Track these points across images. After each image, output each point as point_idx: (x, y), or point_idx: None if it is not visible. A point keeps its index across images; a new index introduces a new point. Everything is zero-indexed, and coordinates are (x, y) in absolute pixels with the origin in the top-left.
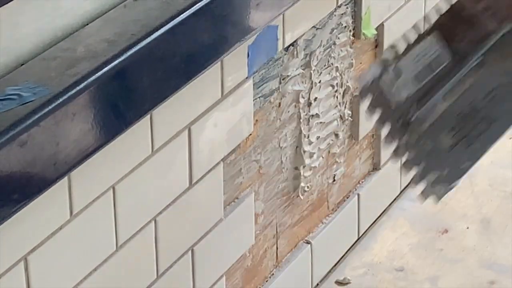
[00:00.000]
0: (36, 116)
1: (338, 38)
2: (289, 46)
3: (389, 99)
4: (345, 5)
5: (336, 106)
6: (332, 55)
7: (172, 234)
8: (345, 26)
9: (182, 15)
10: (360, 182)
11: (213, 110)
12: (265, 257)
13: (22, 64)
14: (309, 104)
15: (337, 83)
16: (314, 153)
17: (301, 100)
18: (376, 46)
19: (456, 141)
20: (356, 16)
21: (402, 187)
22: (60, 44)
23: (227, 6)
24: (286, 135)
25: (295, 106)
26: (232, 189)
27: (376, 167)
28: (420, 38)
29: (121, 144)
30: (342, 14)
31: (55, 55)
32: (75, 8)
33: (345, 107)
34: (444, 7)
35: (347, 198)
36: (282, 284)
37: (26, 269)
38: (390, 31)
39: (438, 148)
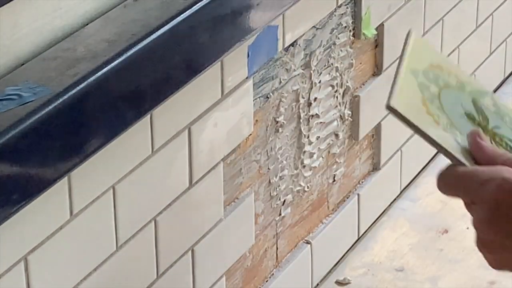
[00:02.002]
0: (36, 116)
1: (338, 38)
2: (289, 46)
3: None
4: (345, 5)
5: (336, 106)
6: (332, 55)
7: (172, 234)
8: (345, 26)
9: (182, 15)
10: (360, 182)
11: (213, 110)
12: (265, 257)
13: (22, 64)
14: (309, 104)
15: (337, 83)
16: (314, 153)
17: (301, 100)
18: (376, 46)
19: None
20: (356, 16)
21: (402, 187)
22: (60, 44)
23: (227, 6)
24: (286, 135)
25: (295, 106)
26: (232, 189)
27: (376, 167)
28: None
29: (121, 144)
30: (342, 14)
31: (55, 55)
32: (75, 8)
33: (345, 107)
34: None
35: (347, 198)
36: (282, 284)
37: (26, 269)
38: (390, 31)
39: None
